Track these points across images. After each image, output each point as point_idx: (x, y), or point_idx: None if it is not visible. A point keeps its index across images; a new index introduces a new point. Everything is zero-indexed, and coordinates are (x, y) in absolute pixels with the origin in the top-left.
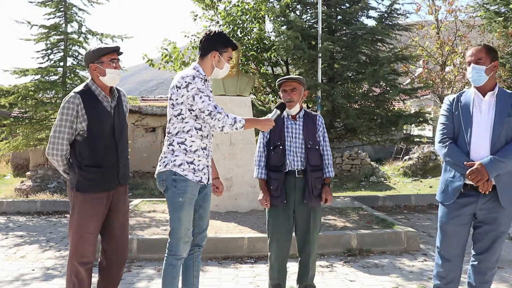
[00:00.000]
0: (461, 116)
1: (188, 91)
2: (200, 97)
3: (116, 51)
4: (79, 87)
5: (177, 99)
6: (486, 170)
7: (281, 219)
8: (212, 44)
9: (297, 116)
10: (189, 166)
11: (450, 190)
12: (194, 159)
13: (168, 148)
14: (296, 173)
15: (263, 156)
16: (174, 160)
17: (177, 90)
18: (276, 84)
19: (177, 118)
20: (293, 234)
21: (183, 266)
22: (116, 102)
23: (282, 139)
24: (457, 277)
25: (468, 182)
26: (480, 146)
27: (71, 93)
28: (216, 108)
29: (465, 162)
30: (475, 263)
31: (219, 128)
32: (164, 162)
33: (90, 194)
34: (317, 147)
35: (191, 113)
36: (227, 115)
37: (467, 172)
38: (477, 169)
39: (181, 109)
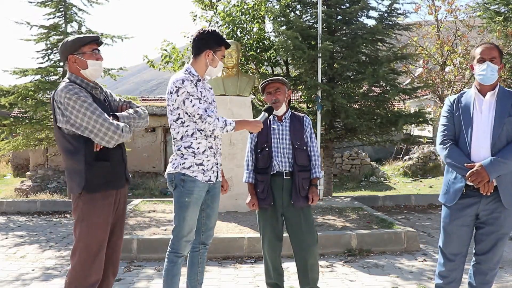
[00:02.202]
0: (461, 117)
1: (178, 96)
2: (191, 101)
3: (96, 40)
4: (63, 83)
5: (173, 105)
6: (486, 171)
7: (270, 221)
8: (205, 42)
9: (283, 117)
10: (198, 168)
11: (452, 192)
12: (203, 160)
13: (177, 152)
14: (284, 174)
15: (251, 160)
16: (183, 163)
17: (171, 96)
18: (260, 89)
19: (177, 123)
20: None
21: (189, 262)
22: (104, 96)
23: (268, 141)
24: (458, 277)
25: (470, 183)
26: (480, 147)
27: (63, 85)
28: (206, 111)
29: (465, 164)
30: (477, 263)
31: (210, 131)
32: (174, 164)
33: (100, 194)
34: (304, 147)
35: (189, 116)
36: (218, 118)
37: (468, 174)
38: (477, 171)
39: (179, 114)
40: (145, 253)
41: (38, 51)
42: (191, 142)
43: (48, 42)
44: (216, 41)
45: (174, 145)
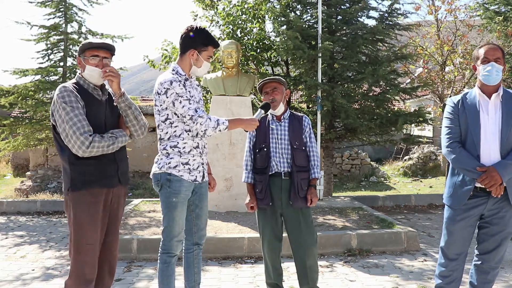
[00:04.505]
0: (467, 119)
1: (167, 97)
2: (180, 102)
3: (101, 48)
4: (63, 84)
5: (161, 105)
6: (499, 174)
7: (269, 221)
8: (192, 41)
9: (282, 117)
10: (184, 167)
11: (459, 194)
12: (189, 159)
13: (162, 152)
14: (283, 175)
15: (250, 160)
16: (169, 162)
17: (159, 97)
18: (258, 89)
19: (165, 123)
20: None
21: (185, 264)
22: (108, 98)
23: (267, 141)
24: (459, 276)
25: (477, 184)
26: (490, 149)
27: (59, 86)
28: (197, 111)
29: (477, 168)
30: (478, 262)
31: (202, 132)
32: (159, 164)
33: (87, 191)
34: (303, 148)
35: (178, 116)
36: (209, 118)
37: (480, 177)
38: (490, 174)
39: (167, 114)
40: (145, 253)
41: (38, 51)
42: (177, 142)
43: (48, 42)
44: (202, 41)
45: (160, 144)
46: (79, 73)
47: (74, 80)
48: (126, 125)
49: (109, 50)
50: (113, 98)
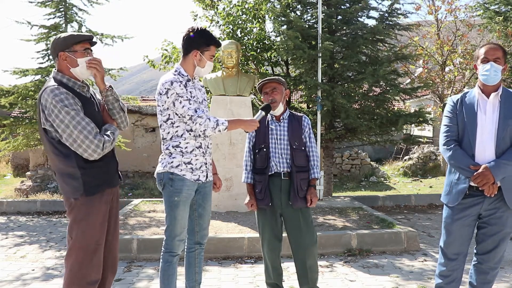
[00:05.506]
0: (465, 118)
1: (168, 97)
2: (180, 102)
3: (89, 40)
4: (50, 84)
5: (162, 105)
6: (491, 173)
7: (268, 221)
8: (194, 42)
9: (281, 117)
10: (186, 166)
11: (454, 192)
12: (191, 159)
13: (165, 152)
14: (282, 175)
15: (249, 161)
16: (172, 162)
17: (160, 97)
18: (257, 89)
19: (167, 124)
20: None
21: (186, 263)
22: (91, 93)
23: (266, 141)
24: (459, 276)
25: (474, 184)
26: (485, 149)
27: (49, 87)
28: (196, 112)
29: (470, 166)
30: (478, 263)
31: (201, 132)
32: (162, 163)
33: (100, 193)
34: (303, 148)
35: (179, 117)
36: (209, 118)
37: (473, 176)
38: (482, 173)
39: (169, 114)
40: (145, 253)
41: (39, 51)
42: (179, 142)
43: (48, 42)
44: (204, 41)
45: (163, 144)
46: (56, 70)
47: (53, 82)
48: (113, 117)
49: (92, 42)
50: (91, 92)
